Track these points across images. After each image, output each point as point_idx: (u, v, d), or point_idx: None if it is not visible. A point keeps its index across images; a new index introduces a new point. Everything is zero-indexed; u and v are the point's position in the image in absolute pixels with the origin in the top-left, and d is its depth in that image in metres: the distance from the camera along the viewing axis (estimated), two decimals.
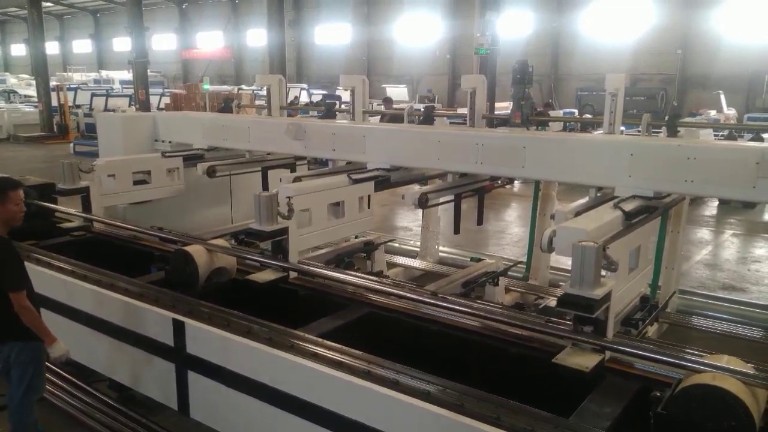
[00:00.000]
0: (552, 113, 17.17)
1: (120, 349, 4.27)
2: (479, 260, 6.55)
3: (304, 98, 24.85)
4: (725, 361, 2.84)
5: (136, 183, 6.47)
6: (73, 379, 4.79)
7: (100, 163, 6.28)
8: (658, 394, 2.70)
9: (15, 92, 32.88)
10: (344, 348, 3.34)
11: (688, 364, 2.90)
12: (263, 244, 4.42)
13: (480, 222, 6.00)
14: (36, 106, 25.36)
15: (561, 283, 6.41)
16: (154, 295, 4.19)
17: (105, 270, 4.65)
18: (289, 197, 4.29)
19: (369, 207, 5.41)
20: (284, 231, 4.32)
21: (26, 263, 3.84)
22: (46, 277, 4.62)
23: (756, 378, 2.70)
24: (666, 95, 24.92)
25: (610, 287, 3.12)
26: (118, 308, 4.21)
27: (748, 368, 2.81)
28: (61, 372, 4.82)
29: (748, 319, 5.63)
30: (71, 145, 21.05)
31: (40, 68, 24.47)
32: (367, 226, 5.53)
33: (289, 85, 20.50)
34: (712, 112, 18.88)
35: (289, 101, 19.15)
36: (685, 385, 2.68)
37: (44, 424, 4.03)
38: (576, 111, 21.32)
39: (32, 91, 28.11)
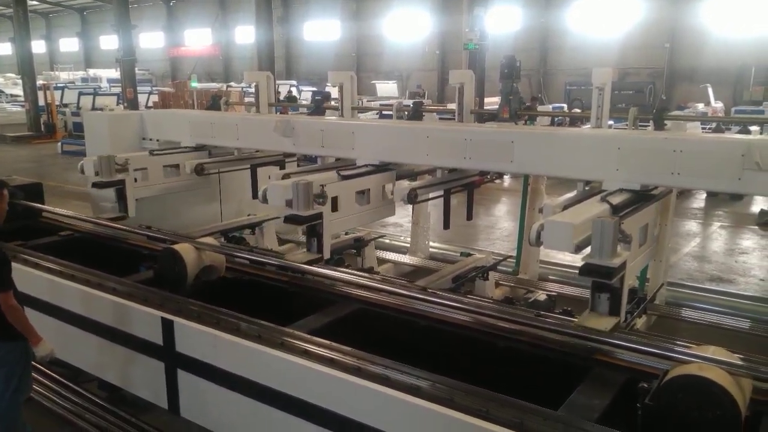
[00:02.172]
0: (541, 108, 17.22)
1: (109, 349, 4.26)
2: (469, 255, 6.58)
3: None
4: (712, 351, 2.86)
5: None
6: (62, 380, 4.77)
7: (135, 157, 6.31)
8: (646, 386, 2.72)
9: (1, 91, 32.62)
10: (335, 344, 3.35)
11: (675, 355, 2.92)
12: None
13: (470, 217, 6.01)
14: (23, 106, 25.12)
15: (550, 277, 6.44)
16: (142, 294, 4.18)
17: (93, 269, 4.63)
18: (322, 185, 4.53)
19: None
20: (319, 216, 4.50)
21: (14, 263, 3.81)
22: (34, 277, 4.59)
23: (741, 368, 2.73)
24: (654, 89, 25.03)
25: (625, 257, 3.38)
26: (107, 308, 4.19)
27: (735, 359, 2.85)
28: (50, 372, 4.80)
29: (735, 310, 5.70)
30: (59, 144, 20.89)
31: (26, 67, 24.20)
32: (389, 213, 5.68)
33: (278, 81, 20.44)
34: (700, 106, 19.01)
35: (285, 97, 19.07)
36: (672, 376, 2.70)
37: (33, 425, 4.00)
38: (565, 105, 21.39)
39: (19, 90, 27.83)
